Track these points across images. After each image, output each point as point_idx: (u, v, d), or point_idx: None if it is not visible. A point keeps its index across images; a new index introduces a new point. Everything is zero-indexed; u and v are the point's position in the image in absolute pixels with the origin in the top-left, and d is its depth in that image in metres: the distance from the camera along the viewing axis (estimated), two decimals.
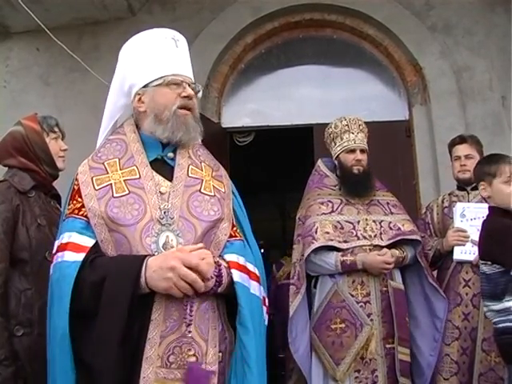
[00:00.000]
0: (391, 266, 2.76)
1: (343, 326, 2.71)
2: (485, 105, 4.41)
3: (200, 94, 1.88)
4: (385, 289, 2.78)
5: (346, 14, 4.72)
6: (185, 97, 1.74)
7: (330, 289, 2.80)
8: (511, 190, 2.33)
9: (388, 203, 3.00)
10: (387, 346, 2.72)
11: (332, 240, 2.78)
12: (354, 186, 2.92)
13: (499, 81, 4.42)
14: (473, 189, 3.07)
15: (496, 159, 2.42)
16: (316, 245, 2.76)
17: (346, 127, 2.94)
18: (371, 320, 2.71)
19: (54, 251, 1.63)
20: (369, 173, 2.97)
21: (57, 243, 1.63)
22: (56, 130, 2.31)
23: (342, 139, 2.95)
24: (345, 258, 2.76)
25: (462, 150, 3.13)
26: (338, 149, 2.96)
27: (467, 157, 3.09)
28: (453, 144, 3.21)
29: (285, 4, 4.66)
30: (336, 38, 4.85)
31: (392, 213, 2.96)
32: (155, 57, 1.76)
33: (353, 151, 2.92)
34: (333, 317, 2.75)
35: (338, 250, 2.80)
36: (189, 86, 1.77)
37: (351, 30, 4.78)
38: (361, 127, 2.96)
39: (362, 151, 2.94)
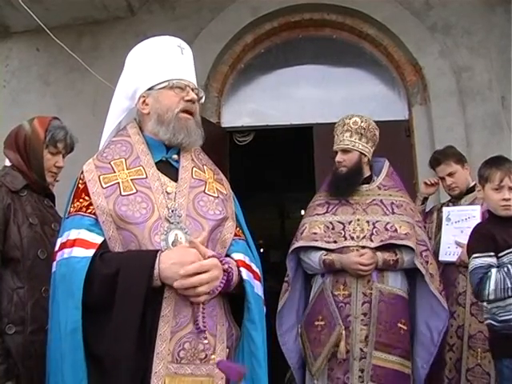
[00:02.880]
0: (367, 268, 2.69)
1: (323, 323, 2.72)
2: (484, 105, 4.41)
3: (202, 100, 1.91)
4: (369, 291, 2.72)
5: (345, 14, 4.72)
6: (188, 100, 1.78)
7: (319, 287, 2.82)
8: (498, 198, 2.35)
9: (393, 203, 2.87)
10: (364, 349, 2.66)
11: (317, 240, 2.80)
12: (333, 186, 2.95)
13: (499, 81, 4.43)
14: (466, 193, 3.16)
15: (491, 164, 2.44)
16: (296, 245, 2.86)
17: (335, 131, 2.97)
18: (349, 321, 2.69)
19: (57, 248, 1.63)
20: (353, 173, 2.90)
21: (60, 240, 1.64)
22: (59, 145, 2.27)
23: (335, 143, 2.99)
24: (326, 257, 2.78)
25: (442, 170, 3.20)
26: None
27: (450, 175, 3.16)
28: (431, 165, 3.28)
29: (284, 4, 4.66)
30: (336, 37, 4.85)
31: (393, 212, 2.84)
32: (161, 61, 1.82)
33: (337, 153, 2.93)
34: (317, 314, 2.76)
35: (327, 249, 2.80)
36: (192, 91, 1.81)
37: (351, 30, 4.78)
38: (345, 127, 2.91)
39: (345, 151, 2.90)
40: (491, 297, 2.22)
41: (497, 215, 2.37)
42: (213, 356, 1.55)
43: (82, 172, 1.72)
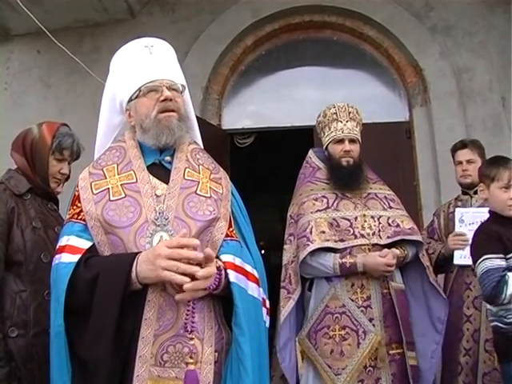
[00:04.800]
0: (393, 268, 2.58)
1: (343, 333, 2.53)
2: (485, 106, 4.41)
3: (186, 92, 1.88)
4: (386, 291, 2.61)
5: (345, 16, 4.72)
6: (163, 100, 1.74)
7: (327, 293, 2.61)
8: (506, 197, 2.31)
9: (386, 197, 2.80)
10: (391, 352, 2.55)
11: (328, 240, 2.60)
12: (343, 179, 2.73)
13: (499, 82, 4.42)
14: (475, 192, 3.11)
15: (498, 163, 2.39)
16: (312, 247, 2.58)
17: (335, 115, 2.77)
18: (373, 325, 2.54)
19: (54, 254, 1.66)
20: (360, 165, 2.78)
21: (57, 247, 1.67)
22: (65, 153, 2.27)
23: (329, 129, 2.78)
24: (344, 260, 2.58)
25: (464, 155, 3.17)
26: (327, 139, 2.80)
27: (469, 162, 3.14)
28: (455, 149, 3.25)
29: (285, 6, 4.66)
30: (336, 39, 4.85)
31: (391, 207, 2.76)
32: (132, 70, 1.81)
33: (341, 141, 2.74)
34: (331, 323, 2.56)
35: (334, 250, 2.61)
36: (168, 88, 1.76)
37: (351, 32, 4.78)
38: (351, 115, 2.76)
39: (352, 141, 2.74)
40: (506, 301, 2.16)
41: (501, 215, 2.33)
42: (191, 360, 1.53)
43: (78, 180, 1.75)
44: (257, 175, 7.12)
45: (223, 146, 4.58)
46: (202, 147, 1.94)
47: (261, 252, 1.86)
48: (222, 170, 1.89)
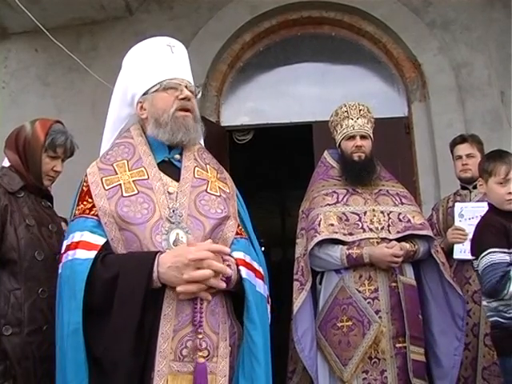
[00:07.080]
0: (400, 260, 2.61)
1: (350, 323, 2.58)
2: (484, 101, 4.41)
3: (199, 96, 1.92)
4: (394, 284, 2.64)
5: (344, 11, 4.72)
6: (182, 99, 1.78)
7: (336, 285, 2.67)
8: (503, 192, 2.32)
9: (398, 194, 2.87)
10: (397, 345, 2.58)
11: (336, 233, 2.66)
12: (355, 173, 2.81)
13: (498, 76, 4.42)
14: (475, 187, 3.13)
15: (495, 157, 2.40)
16: (319, 238, 2.65)
17: (346, 113, 2.86)
18: (379, 317, 2.58)
19: (63, 250, 1.65)
20: (371, 159, 2.85)
21: (66, 242, 1.66)
22: (58, 150, 2.25)
23: (341, 126, 2.87)
24: (350, 251, 2.63)
25: (463, 149, 3.18)
26: (339, 136, 2.89)
27: (468, 156, 3.15)
28: (454, 144, 3.26)
29: (282, 2, 4.66)
30: (334, 35, 4.84)
31: (402, 203, 2.82)
32: (152, 64, 1.83)
33: (352, 138, 2.82)
34: (339, 314, 2.62)
35: (343, 243, 2.67)
36: (186, 88, 1.81)
37: (349, 27, 4.78)
38: (361, 112, 2.86)
39: (363, 137, 2.83)
40: (507, 297, 2.16)
41: (499, 209, 2.34)
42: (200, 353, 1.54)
43: (86, 175, 1.74)
44: (256, 172, 7.13)
45: (222, 142, 4.57)
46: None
47: (261, 248, 1.88)
48: (224, 170, 1.92)
